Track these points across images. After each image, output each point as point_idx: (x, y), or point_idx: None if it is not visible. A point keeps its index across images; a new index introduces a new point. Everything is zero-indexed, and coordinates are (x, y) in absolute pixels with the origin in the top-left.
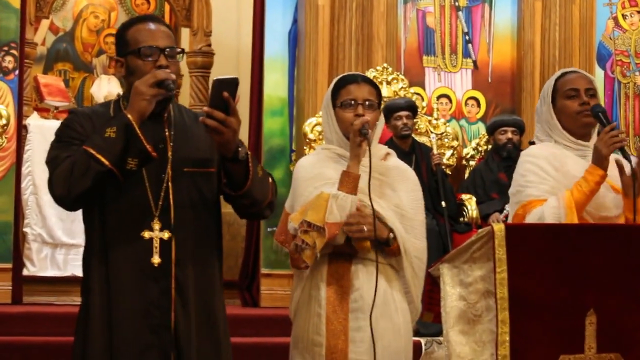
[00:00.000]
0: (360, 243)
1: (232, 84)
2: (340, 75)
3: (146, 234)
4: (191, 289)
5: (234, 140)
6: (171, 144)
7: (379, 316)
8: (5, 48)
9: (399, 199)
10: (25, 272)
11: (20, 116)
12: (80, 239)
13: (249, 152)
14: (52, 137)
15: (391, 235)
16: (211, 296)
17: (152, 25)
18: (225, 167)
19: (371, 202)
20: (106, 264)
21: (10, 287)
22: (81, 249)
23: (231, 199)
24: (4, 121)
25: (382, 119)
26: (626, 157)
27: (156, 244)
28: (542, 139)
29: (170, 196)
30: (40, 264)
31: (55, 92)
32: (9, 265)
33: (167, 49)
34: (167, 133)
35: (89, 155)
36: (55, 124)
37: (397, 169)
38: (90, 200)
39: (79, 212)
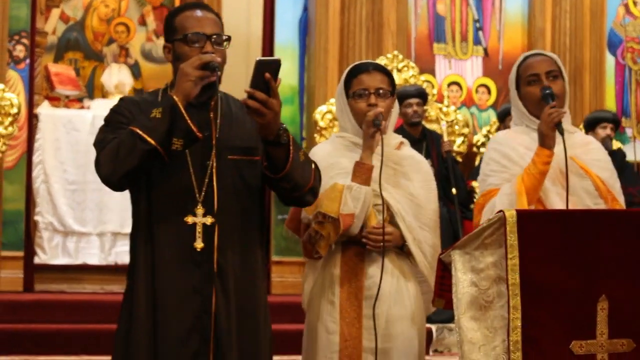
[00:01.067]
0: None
1: (274, 65)
2: (352, 65)
3: (189, 219)
4: (232, 275)
5: (275, 123)
6: (217, 131)
7: (392, 304)
8: (16, 37)
9: (413, 189)
10: (36, 260)
11: (31, 105)
12: (91, 227)
13: (291, 136)
14: (62, 126)
15: (405, 244)
16: (252, 283)
17: (199, 13)
18: (266, 149)
19: (381, 193)
20: (151, 248)
21: (22, 275)
22: (92, 237)
23: (272, 183)
24: (14, 110)
25: (396, 106)
26: (560, 132)
27: (199, 229)
28: (515, 123)
29: (214, 183)
30: (52, 252)
31: (65, 81)
32: (21, 254)
33: (214, 36)
34: (213, 120)
35: (135, 135)
36: (66, 113)
37: (411, 159)
38: (135, 180)
39: (90, 201)
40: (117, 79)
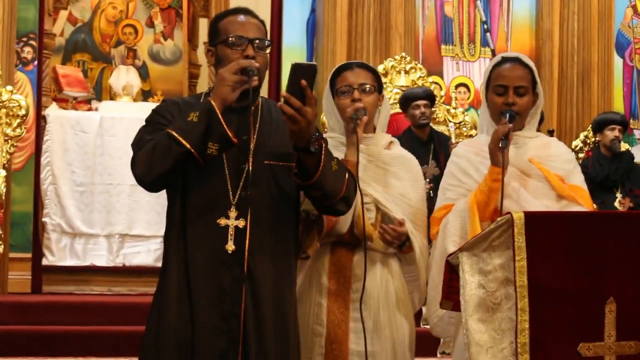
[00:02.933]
0: (367, 227)
1: (309, 70)
2: (337, 65)
3: (222, 221)
4: (263, 279)
5: (307, 131)
6: (254, 135)
7: (381, 307)
8: (24, 39)
9: (404, 189)
10: (44, 262)
11: (39, 106)
12: (99, 229)
13: (324, 145)
14: (70, 128)
15: (406, 242)
16: (283, 288)
17: (243, 17)
18: (298, 156)
19: (358, 184)
20: (184, 248)
21: (30, 277)
22: (100, 239)
23: (303, 190)
24: (23, 111)
25: (387, 104)
26: (502, 146)
27: (231, 231)
28: (481, 130)
29: (249, 186)
30: (60, 253)
31: (73, 83)
32: (29, 255)
33: (257, 41)
34: (252, 125)
35: (170, 137)
36: (74, 115)
37: (401, 158)
38: (170, 182)
39: (98, 203)
40: (124, 80)
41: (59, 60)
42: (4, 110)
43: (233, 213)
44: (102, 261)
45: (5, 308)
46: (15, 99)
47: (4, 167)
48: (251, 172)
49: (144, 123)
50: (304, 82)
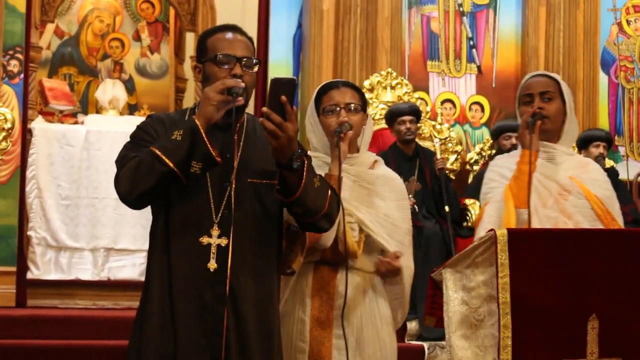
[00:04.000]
0: (351, 245)
1: (289, 85)
2: (322, 84)
3: (204, 240)
4: (245, 296)
5: (289, 146)
6: (238, 153)
7: (364, 325)
8: (11, 52)
9: (388, 209)
10: (29, 276)
11: (25, 120)
12: (84, 243)
13: (307, 161)
14: (56, 141)
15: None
16: (266, 306)
17: (231, 35)
18: (280, 172)
19: (340, 201)
20: (167, 264)
21: (14, 290)
22: (85, 253)
23: (285, 207)
24: (8, 125)
25: (370, 123)
26: (530, 128)
27: (214, 250)
28: (520, 145)
29: (232, 205)
30: (44, 267)
31: (60, 96)
32: (13, 269)
33: (244, 59)
34: (235, 143)
35: (154, 156)
36: (60, 128)
37: (385, 177)
38: (153, 200)
39: (83, 216)
40: (111, 94)
41: (45, 74)
42: None
43: (215, 231)
44: (87, 275)
45: None
46: (1, 112)
47: None
48: (234, 191)
49: (128, 139)
50: (283, 97)
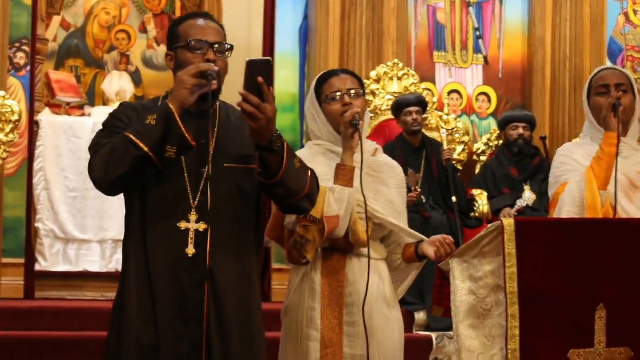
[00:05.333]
0: (362, 234)
1: (265, 67)
2: (320, 73)
3: (182, 225)
4: (225, 282)
5: (268, 128)
6: (214, 139)
7: (373, 312)
8: (17, 44)
9: (391, 195)
10: (37, 267)
11: (32, 112)
12: (92, 235)
13: (286, 143)
14: (63, 133)
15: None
16: (246, 290)
17: (202, 21)
18: (260, 155)
19: (363, 193)
20: (144, 253)
21: (23, 282)
22: (92, 245)
23: (267, 190)
24: (15, 117)
25: (367, 111)
26: (615, 112)
27: (192, 235)
28: (583, 136)
29: (209, 190)
30: (52, 259)
31: (66, 88)
32: (22, 261)
33: (217, 45)
34: (210, 128)
35: (128, 141)
36: (67, 120)
37: (387, 165)
38: (127, 185)
39: (91, 208)
40: (117, 86)
41: (51, 66)
42: None
43: (193, 216)
44: (95, 267)
45: None
46: (7, 105)
47: None
48: (211, 176)
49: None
50: (260, 79)
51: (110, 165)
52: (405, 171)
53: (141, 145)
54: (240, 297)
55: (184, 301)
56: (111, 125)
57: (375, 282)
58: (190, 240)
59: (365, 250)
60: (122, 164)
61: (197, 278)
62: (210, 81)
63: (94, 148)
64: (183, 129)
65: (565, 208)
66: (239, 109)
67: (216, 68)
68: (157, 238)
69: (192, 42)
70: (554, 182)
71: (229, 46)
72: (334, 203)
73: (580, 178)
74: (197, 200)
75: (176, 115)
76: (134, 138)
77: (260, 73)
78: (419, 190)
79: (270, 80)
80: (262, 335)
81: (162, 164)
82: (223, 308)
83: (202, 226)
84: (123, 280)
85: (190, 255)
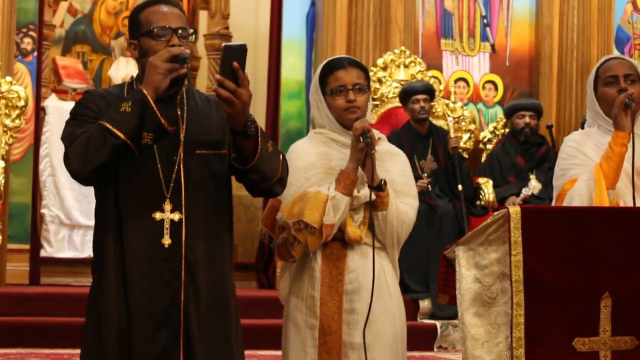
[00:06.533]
0: (352, 233)
1: (240, 51)
2: (326, 61)
3: (157, 215)
4: (201, 270)
5: (243, 113)
6: (183, 125)
7: (374, 299)
8: (24, 30)
9: (391, 177)
10: (42, 253)
11: (38, 98)
12: None
13: (259, 127)
14: None
15: (382, 182)
16: (221, 277)
17: (164, 8)
18: (235, 140)
19: (371, 214)
20: (120, 243)
21: (28, 268)
22: None
23: (240, 175)
24: (22, 103)
25: (370, 100)
26: (627, 109)
27: (167, 225)
28: (589, 124)
29: (182, 178)
30: (58, 245)
31: (73, 74)
32: (27, 247)
33: (180, 30)
34: (179, 115)
35: (104, 129)
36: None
37: (388, 153)
38: (105, 175)
39: None
40: (124, 72)
41: (58, 52)
42: (3, 101)
43: (168, 206)
44: None
45: (3, 299)
46: (14, 90)
47: (2, 158)
48: (184, 164)
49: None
50: (235, 64)
51: (88, 156)
52: (411, 159)
53: (118, 133)
54: (216, 283)
55: (162, 290)
56: (81, 114)
57: (376, 270)
58: (165, 231)
59: (367, 240)
60: (100, 154)
61: (174, 267)
62: (183, 65)
63: (67, 138)
64: (159, 115)
65: (576, 205)
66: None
67: (188, 51)
68: (133, 228)
69: (155, 29)
70: (561, 173)
71: (192, 31)
72: (332, 211)
73: (589, 176)
74: (171, 189)
75: (151, 101)
76: (110, 126)
77: (235, 58)
78: (429, 179)
79: (244, 65)
80: (238, 320)
81: (139, 151)
82: (200, 295)
83: (177, 216)
84: (100, 269)
85: (166, 246)
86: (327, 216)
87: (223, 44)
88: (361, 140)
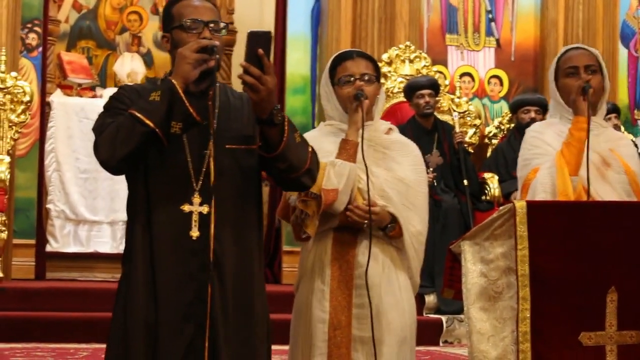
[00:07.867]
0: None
1: (265, 38)
2: (336, 53)
3: (186, 208)
4: (229, 263)
5: (269, 100)
6: (214, 120)
7: (383, 294)
8: (29, 25)
9: (402, 172)
10: (48, 248)
11: (43, 93)
12: (102, 216)
13: (287, 117)
14: (74, 114)
15: (389, 225)
16: (249, 272)
17: (196, 1)
18: (261, 129)
19: (366, 166)
20: (149, 235)
21: (34, 263)
22: (103, 226)
23: (268, 165)
24: (27, 98)
25: (382, 92)
26: (584, 94)
27: (195, 217)
28: (551, 114)
29: (212, 172)
30: (63, 240)
31: (78, 70)
32: (32, 242)
33: (211, 23)
34: (211, 110)
35: (133, 118)
36: (79, 101)
37: (400, 143)
38: (134, 165)
39: (102, 189)
40: (129, 67)
41: (63, 47)
42: (8, 97)
43: (197, 199)
44: (105, 248)
45: (9, 294)
46: (19, 85)
47: (8, 154)
48: (213, 158)
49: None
50: (260, 50)
51: (116, 144)
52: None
53: (147, 121)
54: (244, 278)
55: (189, 282)
56: (113, 107)
57: (386, 265)
58: (194, 223)
59: (374, 232)
60: (129, 142)
61: (202, 260)
62: (212, 55)
63: (98, 129)
64: (187, 104)
65: (538, 196)
66: (240, 84)
67: (217, 42)
68: (161, 220)
69: (187, 22)
70: (524, 164)
71: (224, 24)
72: (334, 177)
73: (551, 164)
74: (200, 182)
75: (180, 91)
76: (138, 115)
77: (260, 45)
78: (435, 173)
79: (269, 52)
80: (265, 315)
81: (167, 140)
82: (227, 289)
83: (205, 209)
84: (129, 260)
85: (194, 238)
86: (328, 181)
87: (248, 31)
88: (354, 99)
